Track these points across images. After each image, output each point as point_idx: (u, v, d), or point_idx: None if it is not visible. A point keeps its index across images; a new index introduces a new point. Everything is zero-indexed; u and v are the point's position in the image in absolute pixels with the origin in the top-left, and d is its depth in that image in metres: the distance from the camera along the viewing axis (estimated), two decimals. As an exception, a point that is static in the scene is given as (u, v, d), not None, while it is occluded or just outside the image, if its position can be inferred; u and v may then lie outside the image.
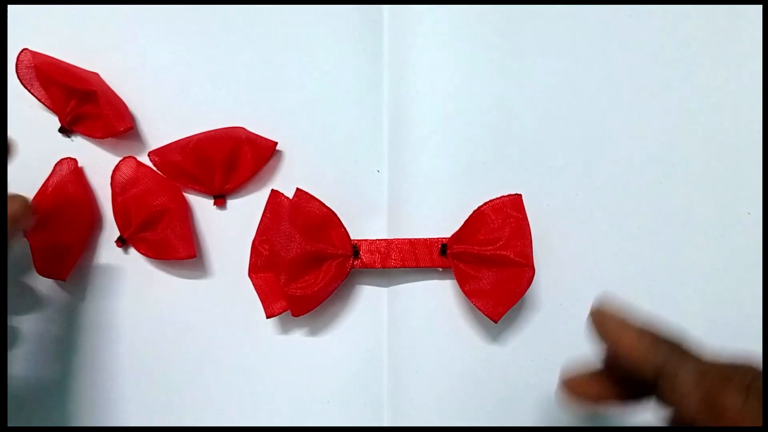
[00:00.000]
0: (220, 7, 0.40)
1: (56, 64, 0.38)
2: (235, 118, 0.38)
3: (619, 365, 0.24)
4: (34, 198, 0.37)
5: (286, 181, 0.38)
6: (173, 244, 0.36)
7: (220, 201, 0.38)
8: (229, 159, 0.37)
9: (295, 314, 0.35)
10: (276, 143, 0.38)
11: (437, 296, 0.37)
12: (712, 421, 0.20)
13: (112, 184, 0.38)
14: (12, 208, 0.31)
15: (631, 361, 0.23)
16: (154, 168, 0.38)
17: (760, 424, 0.19)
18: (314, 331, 0.37)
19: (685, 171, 0.38)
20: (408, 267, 0.36)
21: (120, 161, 0.38)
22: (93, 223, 0.38)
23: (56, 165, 0.38)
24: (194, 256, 0.36)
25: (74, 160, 0.38)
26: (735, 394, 0.20)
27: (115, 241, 0.37)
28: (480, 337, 0.36)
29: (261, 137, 0.38)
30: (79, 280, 0.38)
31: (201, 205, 0.39)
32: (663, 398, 0.22)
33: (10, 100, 0.39)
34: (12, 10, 0.40)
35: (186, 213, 0.38)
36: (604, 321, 0.24)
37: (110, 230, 0.38)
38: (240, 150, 0.37)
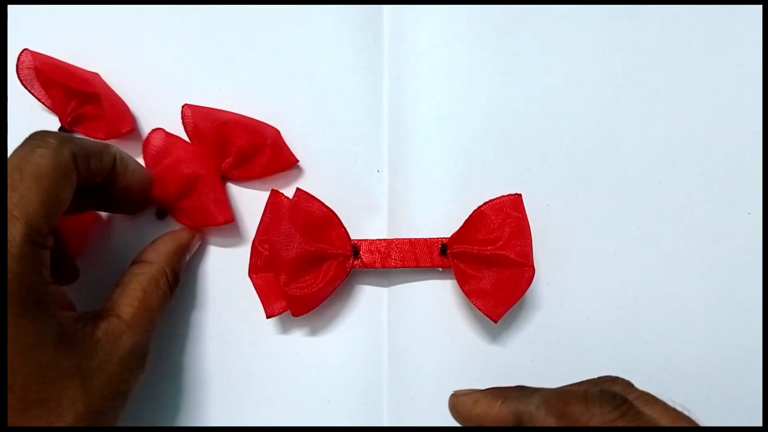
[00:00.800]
0: (220, 8, 0.40)
1: (57, 65, 0.38)
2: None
3: None
4: None
5: (286, 181, 0.38)
6: (210, 210, 0.36)
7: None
8: (246, 152, 0.37)
9: (295, 314, 0.35)
10: (297, 161, 0.38)
11: (437, 296, 0.37)
12: None
13: (144, 157, 0.38)
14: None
15: (494, 422, 0.25)
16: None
17: (607, 422, 0.22)
18: (314, 331, 0.37)
19: (685, 171, 0.38)
20: (408, 267, 0.36)
21: (149, 133, 0.38)
22: (88, 236, 0.38)
23: None
24: (231, 221, 0.37)
25: None
26: (576, 403, 0.23)
27: (155, 214, 0.38)
28: (480, 337, 0.36)
29: (287, 149, 0.38)
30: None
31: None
32: None
33: (9, 100, 0.39)
34: (12, 10, 0.40)
35: (218, 178, 0.38)
36: (458, 404, 0.27)
37: (108, 245, 0.38)
38: (260, 150, 0.37)
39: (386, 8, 0.39)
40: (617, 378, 0.26)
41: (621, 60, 0.39)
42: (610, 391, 0.23)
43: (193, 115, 0.38)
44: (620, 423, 0.22)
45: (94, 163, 0.30)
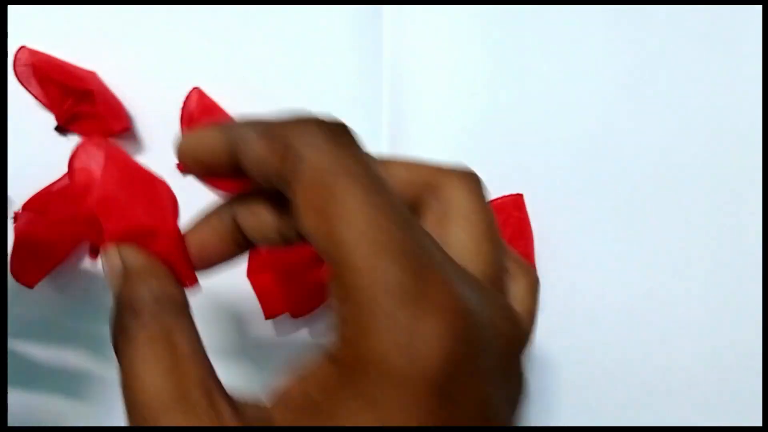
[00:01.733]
0: (219, 7, 0.40)
1: (53, 62, 0.37)
2: (234, 117, 0.38)
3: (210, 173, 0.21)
4: (34, 196, 0.37)
5: (285, 181, 0.38)
6: None
7: (182, 167, 0.38)
8: None
9: (295, 315, 0.34)
10: None
11: (438, 297, 0.37)
12: (282, 163, 0.18)
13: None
14: None
15: (211, 154, 0.20)
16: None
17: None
18: (314, 333, 0.37)
19: (687, 171, 0.38)
20: (408, 267, 0.35)
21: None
22: (81, 237, 0.38)
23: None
24: None
25: None
26: (281, 125, 0.18)
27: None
28: (481, 337, 0.36)
29: None
30: (49, 290, 0.37)
31: (198, 205, 0.38)
32: (247, 170, 0.19)
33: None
34: (10, 8, 0.39)
35: None
36: (184, 143, 0.21)
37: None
38: None
39: (386, 8, 0.39)
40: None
41: (621, 60, 0.39)
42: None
43: (197, 102, 0.37)
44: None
45: None
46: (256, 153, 0.18)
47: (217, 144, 0.20)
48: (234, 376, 0.36)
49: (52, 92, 0.37)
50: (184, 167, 0.22)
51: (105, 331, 0.36)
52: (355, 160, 0.18)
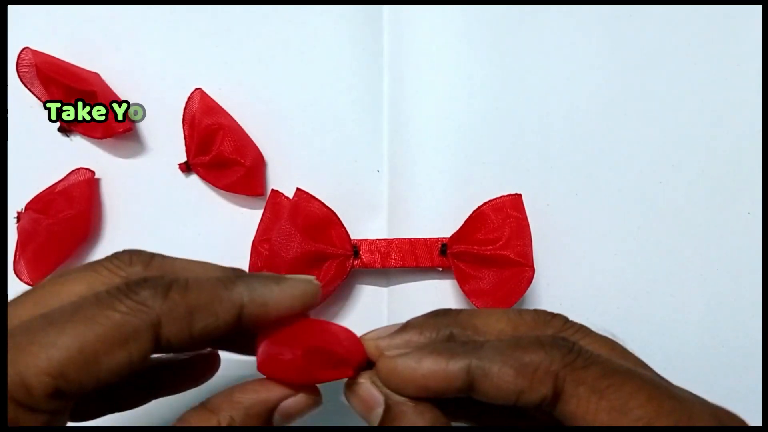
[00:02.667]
0: (220, 8, 0.40)
1: (57, 64, 0.38)
2: (236, 117, 0.38)
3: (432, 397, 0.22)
4: (37, 196, 0.37)
5: (286, 181, 0.38)
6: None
7: (183, 167, 0.38)
8: (221, 161, 0.37)
9: (295, 314, 0.35)
10: (263, 193, 0.38)
11: (437, 296, 0.37)
12: (528, 383, 0.21)
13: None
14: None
15: (442, 382, 0.22)
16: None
17: (567, 364, 0.20)
18: (314, 332, 0.37)
19: (685, 171, 0.38)
20: (408, 267, 0.35)
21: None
22: (86, 237, 0.38)
23: (72, 172, 0.38)
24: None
25: (92, 171, 0.38)
26: (534, 352, 0.21)
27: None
28: (480, 337, 0.36)
29: (261, 178, 0.38)
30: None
31: (201, 205, 0.39)
32: (482, 394, 0.21)
33: (9, 99, 0.39)
34: (13, 9, 0.40)
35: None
36: (398, 366, 0.22)
37: (104, 246, 0.38)
38: (234, 166, 0.37)
39: (386, 8, 0.39)
40: (554, 314, 0.24)
41: (621, 60, 0.39)
42: (559, 336, 0.22)
43: (199, 103, 0.38)
44: (579, 363, 0.21)
45: (199, 323, 0.21)
46: (501, 380, 0.21)
47: (456, 372, 0.21)
48: (234, 376, 0.36)
49: (56, 93, 0.38)
50: (394, 387, 0.22)
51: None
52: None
